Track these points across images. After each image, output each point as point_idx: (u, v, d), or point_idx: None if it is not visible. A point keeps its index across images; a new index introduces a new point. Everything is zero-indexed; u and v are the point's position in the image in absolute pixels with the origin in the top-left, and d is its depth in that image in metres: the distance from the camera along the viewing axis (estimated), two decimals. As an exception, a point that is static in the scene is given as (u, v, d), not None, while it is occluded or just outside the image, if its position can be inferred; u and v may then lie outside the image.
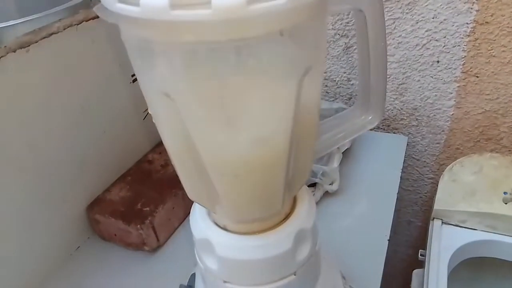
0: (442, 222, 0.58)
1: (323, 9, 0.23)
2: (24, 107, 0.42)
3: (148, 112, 0.57)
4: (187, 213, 0.55)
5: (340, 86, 0.68)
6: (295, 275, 0.32)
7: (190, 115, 0.24)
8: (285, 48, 0.22)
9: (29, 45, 0.37)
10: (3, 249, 0.43)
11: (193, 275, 0.41)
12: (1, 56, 0.35)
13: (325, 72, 0.67)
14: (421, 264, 0.57)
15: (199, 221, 0.33)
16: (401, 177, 0.71)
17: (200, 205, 0.32)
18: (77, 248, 0.53)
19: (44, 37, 0.38)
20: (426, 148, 0.68)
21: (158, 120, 0.26)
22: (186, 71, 0.23)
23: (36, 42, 0.37)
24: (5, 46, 0.35)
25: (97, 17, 0.45)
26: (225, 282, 0.32)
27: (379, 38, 0.26)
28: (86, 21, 0.43)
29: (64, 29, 0.40)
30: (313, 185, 0.55)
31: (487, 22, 0.54)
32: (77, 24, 0.42)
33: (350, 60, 0.65)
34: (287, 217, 0.32)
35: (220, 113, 0.24)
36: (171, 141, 0.27)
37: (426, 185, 0.73)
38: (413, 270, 0.60)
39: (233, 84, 0.22)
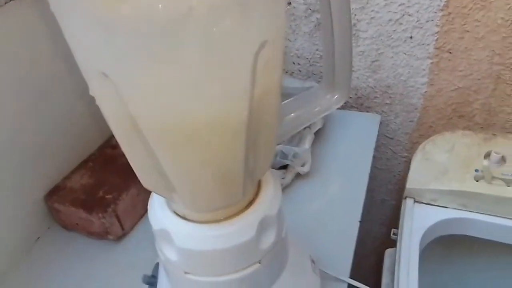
0: (414, 201, 0.58)
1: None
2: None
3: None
4: (154, 199, 0.53)
5: (313, 64, 0.66)
6: (260, 263, 0.31)
7: (131, 98, 0.21)
8: (235, 21, 0.19)
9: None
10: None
11: (157, 265, 0.39)
12: None
13: (297, 50, 0.65)
14: (394, 243, 0.57)
15: (157, 211, 0.31)
16: (374, 156, 0.71)
17: (157, 193, 0.30)
18: (37, 239, 0.50)
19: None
20: (400, 126, 0.67)
21: (100, 103, 0.24)
22: (129, 49, 0.20)
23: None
24: None
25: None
26: (186, 273, 0.31)
27: (343, 11, 0.24)
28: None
29: (6, 3, 0.36)
30: (284, 167, 0.54)
31: (460, -4, 0.53)
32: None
33: (322, 37, 0.62)
34: (250, 203, 0.30)
35: (169, 94, 0.21)
36: (116, 125, 0.25)
37: (399, 163, 0.72)
38: (386, 249, 0.60)
39: (183, 63, 0.20)
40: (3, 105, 0.42)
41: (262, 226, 0.30)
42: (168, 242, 0.30)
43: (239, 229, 0.29)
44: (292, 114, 0.28)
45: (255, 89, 0.22)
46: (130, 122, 0.22)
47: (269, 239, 0.31)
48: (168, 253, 0.31)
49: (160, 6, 0.18)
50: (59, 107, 0.49)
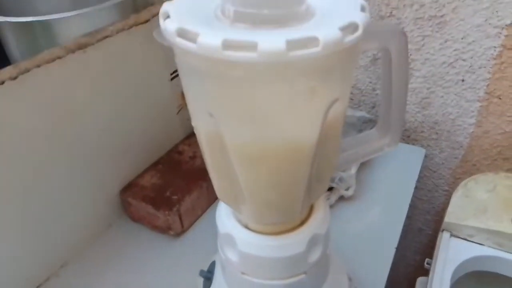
0: (451, 235, 0.61)
1: (355, 51, 0.26)
2: (75, 101, 0.46)
3: (181, 107, 0.62)
4: (209, 204, 0.60)
5: (365, 95, 0.70)
6: (305, 274, 0.36)
7: (228, 130, 0.27)
8: (315, 84, 0.25)
9: (86, 47, 0.42)
10: (48, 223, 0.49)
11: (213, 263, 0.45)
12: (62, 56, 0.39)
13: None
14: (426, 272, 0.60)
15: (224, 217, 0.37)
16: (416, 186, 0.74)
17: (227, 204, 0.36)
18: (109, 226, 0.58)
19: (99, 40, 0.42)
20: (444, 161, 0.70)
21: (198, 131, 0.30)
22: (230, 96, 0.26)
23: (93, 44, 0.42)
24: (65, 46, 0.40)
25: (147, 21, 0.49)
26: (242, 273, 0.36)
27: (401, 74, 0.29)
28: (136, 25, 0.47)
29: (117, 32, 0.44)
30: (329, 189, 0.59)
31: (515, 47, 0.56)
32: (128, 28, 0.46)
33: (376, 71, 0.67)
34: (303, 222, 0.36)
35: (255, 130, 0.27)
36: (208, 148, 0.31)
37: (440, 196, 0.75)
38: (418, 277, 0.63)
39: (269, 107, 0.26)
40: (100, 113, 0.50)
41: (312, 242, 0.35)
42: (231, 245, 0.36)
43: (292, 243, 0.34)
44: (349, 152, 0.34)
45: (323, 129, 0.27)
46: (220, 144, 0.28)
47: (316, 254, 0.36)
48: (229, 254, 0.37)
49: (264, 72, 0.24)
50: (139, 117, 0.57)
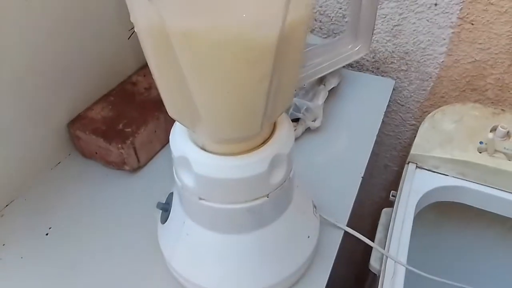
0: (416, 166, 0.60)
1: None
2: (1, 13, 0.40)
3: (134, 31, 0.56)
4: (168, 137, 0.56)
5: (334, 23, 0.66)
6: (267, 197, 0.34)
7: (174, 18, 0.23)
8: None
9: None
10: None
11: (171, 194, 0.42)
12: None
13: (320, 7, 0.65)
14: (391, 205, 0.60)
15: (178, 140, 0.34)
16: (384, 121, 0.72)
17: (181, 123, 0.32)
18: (58, 164, 0.53)
19: None
20: (412, 94, 0.69)
21: (139, 27, 0.26)
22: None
23: None
24: None
25: None
26: (200, 199, 0.34)
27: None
28: None
29: None
30: (296, 120, 0.56)
31: (491, -34, 0.52)
32: None
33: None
34: (265, 142, 0.33)
35: (205, 14, 0.23)
36: (152, 50, 0.26)
37: (407, 131, 0.74)
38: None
39: None
40: (32, 27, 0.44)
41: (274, 163, 0.32)
42: (186, 168, 0.33)
43: (253, 163, 0.31)
44: (315, 60, 0.30)
45: (286, 18, 0.23)
46: (165, 42, 0.24)
47: (278, 175, 0.33)
48: (185, 179, 0.34)
49: None
50: (85, 38, 0.51)
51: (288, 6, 0.23)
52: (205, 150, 0.32)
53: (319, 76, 0.32)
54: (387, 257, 0.48)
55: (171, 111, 0.31)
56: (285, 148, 0.33)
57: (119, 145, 0.49)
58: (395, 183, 0.81)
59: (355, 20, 0.29)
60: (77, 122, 0.51)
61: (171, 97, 0.30)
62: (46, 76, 0.48)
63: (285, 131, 0.33)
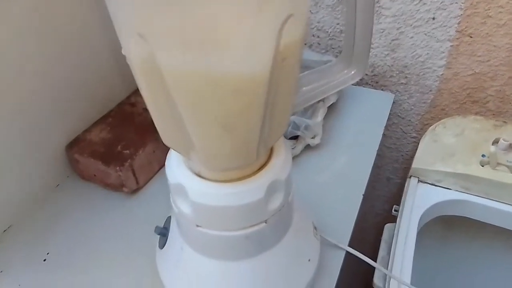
0: (419, 181, 0.60)
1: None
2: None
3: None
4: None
5: (333, 38, 0.66)
6: (266, 223, 0.33)
7: (164, 55, 0.23)
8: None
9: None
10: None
11: (169, 218, 0.42)
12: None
13: (318, 22, 0.65)
14: (394, 219, 0.59)
15: (174, 167, 0.33)
16: (385, 134, 0.72)
17: (175, 151, 0.32)
18: (57, 186, 0.53)
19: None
20: (412, 107, 0.68)
21: (131, 60, 0.25)
22: (163, 11, 0.21)
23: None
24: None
25: None
26: (197, 226, 0.33)
27: (367, -12, 0.25)
28: None
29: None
30: (295, 137, 0.55)
31: (487, -20, 0.52)
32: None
33: (345, 11, 0.62)
34: (262, 167, 0.32)
35: (197, 51, 0.22)
36: (144, 82, 0.26)
37: (408, 143, 0.73)
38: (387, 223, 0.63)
39: (211, 18, 0.21)
40: (31, 52, 0.44)
41: (271, 189, 0.32)
42: (182, 196, 0.33)
43: (250, 190, 0.31)
44: (310, 86, 0.30)
45: (278, 51, 0.23)
46: (157, 76, 0.24)
47: (276, 201, 0.33)
48: (182, 207, 0.33)
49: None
50: (83, 62, 0.51)
51: (279, 41, 0.23)
52: (201, 177, 0.32)
53: (314, 101, 0.32)
54: (390, 276, 0.47)
55: (165, 139, 0.31)
56: (282, 174, 0.32)
57: (118, 168, 0.48)
58: (398, 195, 0.80)
59: (349, 45, 0.28)
60: (75, 145, 0.51)
61: (164, 125, 0.30)
62: (45, 100, 0.48)
63: (282, 156, 0.33)
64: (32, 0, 0.41)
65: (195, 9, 0.20)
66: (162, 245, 0.40)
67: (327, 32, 0.66)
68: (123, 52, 0.25)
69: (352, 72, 0.30)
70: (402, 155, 0.76)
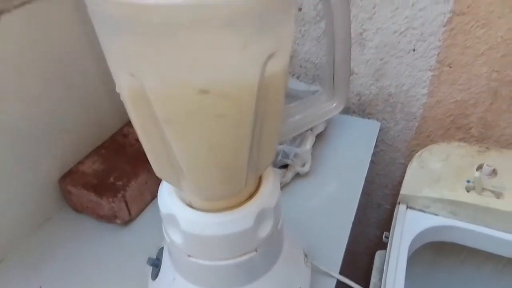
0: (407, 207, 0.61)
1: (286, 1, 0.23)
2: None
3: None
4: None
5: (319, 69, 0.69)
6: (256, 251, 0.34)
7: (154, 93, 0.24)
8: (247, 34, 0.22)
9: (1, 14, 0.36)
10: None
11: (161, 249, 0.42)
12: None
13: (304, 54, 0.68)
14: (386, 246, 0.60)
15: (166, 197, 0.34)
16: (373, 161, 0.73)
17: (167, 181, 0.33)
18: (49, 219, 0.53)
19: (16, 6, 0.37)
20: (399, 134, 0.70)
21: (124, 97, 0.27)
22: (152, 49, 0.23)
23: (9, 11, 0.37)
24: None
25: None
26: (189, 256, 0.34)
27: (343, 28, 0.27)
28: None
29: (37, -2, 0.40)
30: (285, 166, 0.56)
31: (463, 13, 0.55)
32: (49, -6, 0.41)
33: (329, 44, 0.65)
34: (251, 196, 0.33)
35: (185, 83, 0.24)
36: (136, 116, 0.28)
37: (397, 170, 0.75)
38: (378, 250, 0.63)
39: (200, 56, 0.23)
40: (25, 83, 0.45)
41: (260, 217, 0.33)
42: (174, 226, 0.33)
43: (239, 219, 0.32)
44: (295, 117, 0.31)
45: (261, 87, 0.24)
46: (148, 109, 0.25)
47: (265, 229, 0.34)
48: (173, 236, 0.34)
49: (184, 16, 0.20)
50: (75, 96, 0.53)
51: (263, 73, 0.24)
52: (192, 207, 0.33)
53: (301, 131, 0.33)
54: (382, 303, 0.47)
55: (156, 170, 0.32)
56: (270, 202, 0.33)
57: (110, 199, 0.49)
58: (389, 221, 0.81)
59: (330, 79, 0.30)
60: (68, 177, 0.52)
61: (155, 157, 0.31)
62: (38, 133, 0.49)
63: (270, 185, 0.34)
64: (28, 38, 0.43)
65: (184, 52, 0.22)
66: (154, 276, 0.40)
67: (314, 63, 0.68)
68: (117, 90, 0.27)
69: (334, 104, 0.31)
70: (392, 181, 0.77)
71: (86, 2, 0.22)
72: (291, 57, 0.69)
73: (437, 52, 0.59)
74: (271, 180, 0.34)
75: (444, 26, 0.57)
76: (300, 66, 0.70)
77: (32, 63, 0.45)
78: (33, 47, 0.44)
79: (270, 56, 0.24)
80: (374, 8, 0.59)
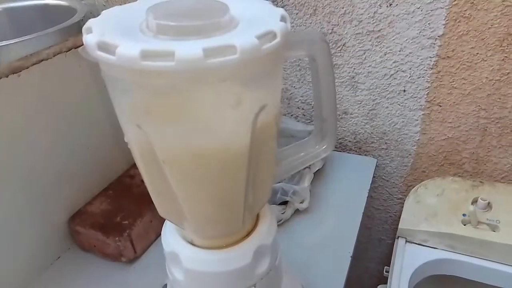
0: (406, 241, 0.62)
1: (278, 59, 0.27)
2: (11, 124, 0.45)
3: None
4: (164, 227, 0.58)
5: (316, 109, 0.72)
6: (254, 287, 0.36)
7: (159, 142, 0.27)
8: (239, 91, 0.26)
9: (20, 71, 0.41)
10: (-14, 257, 0.46)
11: (165, 286, 0.44)
12: (-6, 80, 0.38)
13: (301, 96, 0.72)
14: (387, 280, 0.61)
15: (168, 236, 0.36)
16: (372, 196, 0.75)
17: (170, 221, 0.36)
18: (58, 258, 0.55)
19: (34, 63, 0.42)
20: (395, 170, 0.72)
21: (131, 145, 0.30)
22: (156, 106, 0.26)
23: (27, 68, 0.41)
24: (-2, 71, 0.39)
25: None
26: (190, 292, 0.36)
27: (328, 81, 0.30)
28: (75, 48, 0.46)
29: (54, 55, 0.44)
30: (284, 203, 0.59)
31: (448, 57, 0.59)
32: (66, 51, 0.45)
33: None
34: (249, 234, 0.36)
35: (185, 134, 0.27)
36: (143, 165, 0.30)
37: (395, 204, 0.77)
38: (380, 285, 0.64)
39: (194, 116, 0.26)
40: (39, 137, 0.49)
41: (258, 254, 0.35)
42: (176, 263, 0.35)
43: (238, 255, 0.34)
44: (288, 159, 0.34)
45: (254, 135, 0.28)
46: (153, 157, 0.28)
47: (263, 266, 0.36)
48: (176, 273, 0.36)
49: (185, 79, 0.24)
50: (84, 142, 0.56)
51: (255, 123, 0.27)
52: (193, 244, 0.35)
53: (293, 172, 0.36)
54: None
55: (160, 211, 0.34)
56: (267, 239, 0.36)
57: (116, 238, 0.51)
58: (390, 256, 0.82)
59: (319, 124, 0.33)
60: (77, 218, 0.54)
61: (160, 200, 0.33)
62: (49, 178, 0.51)
63: (267, 222, 0.36)
64: (43, 92, 0.47)
65: (185, 112, 0.25)
66: (158, 312, 0.42)
67: (310, 104, 0.72)
68: (125, 139, 0.30)
69: (324, 147, 0.34)
70: (391, 216, 0.78)
71: (101, 67, 0.26)
72: (289, 99, 0.73)
73: (426, 93, 0.63)
74: (268, 218, 0.37)
75: (431, 69, 0.60)
76: (298, 108, 0.73)
77: (46, 115, 0.49)
78: (47, 100, 0.48)
79: (261, 109, 0.27)
80: (364, 54, 0.63)
